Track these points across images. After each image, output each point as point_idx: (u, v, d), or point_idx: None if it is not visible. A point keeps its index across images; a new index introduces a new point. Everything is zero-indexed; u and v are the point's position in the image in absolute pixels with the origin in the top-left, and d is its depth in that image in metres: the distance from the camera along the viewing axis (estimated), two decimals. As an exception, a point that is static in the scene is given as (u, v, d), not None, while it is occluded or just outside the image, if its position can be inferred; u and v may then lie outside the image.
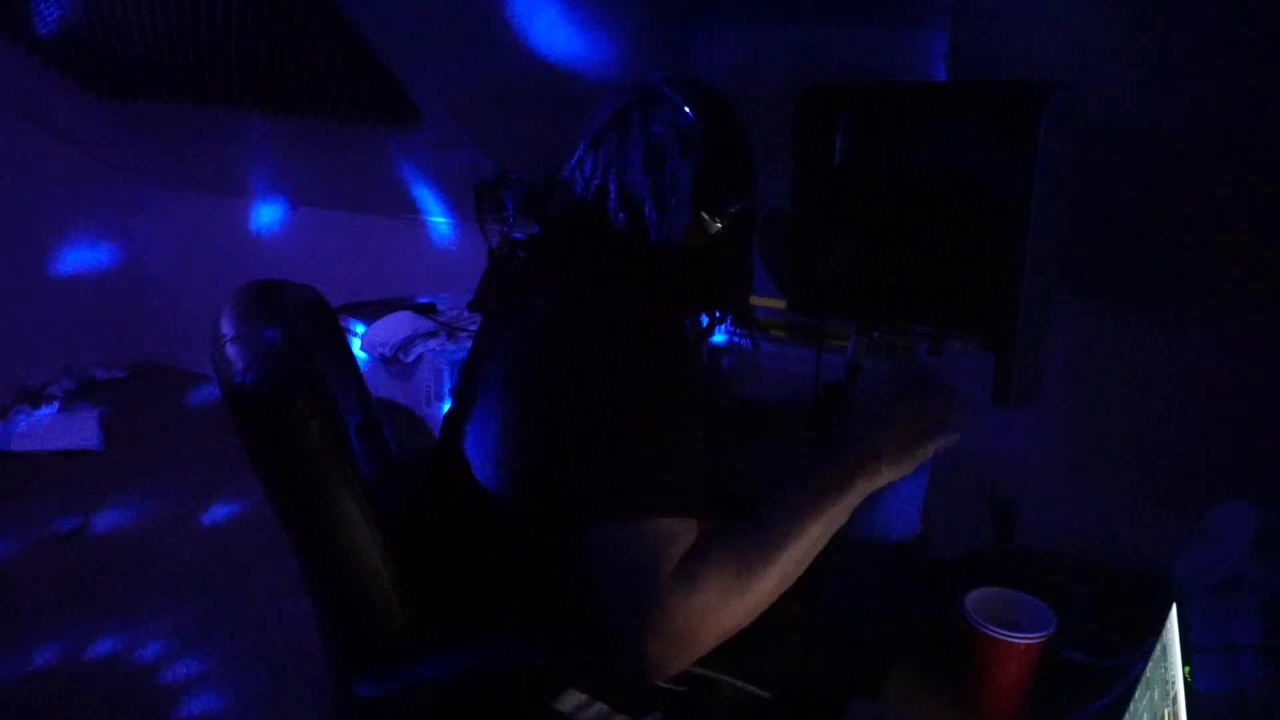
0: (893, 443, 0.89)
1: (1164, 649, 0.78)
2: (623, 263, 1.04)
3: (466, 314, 2.66)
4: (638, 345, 0.92)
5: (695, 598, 0.80)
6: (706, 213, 1.07)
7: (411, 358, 2.46)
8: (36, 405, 3.55)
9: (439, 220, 3.24)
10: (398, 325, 2.53)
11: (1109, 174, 1.74)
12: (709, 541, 0.84)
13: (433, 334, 2.51)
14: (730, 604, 0.82)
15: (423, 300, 2.79)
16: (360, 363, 1.34)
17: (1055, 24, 1.55)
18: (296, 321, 1.08)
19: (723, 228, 1.08)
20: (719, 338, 1.93)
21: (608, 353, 0.92)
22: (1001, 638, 0.94)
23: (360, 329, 2.60)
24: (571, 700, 1.02)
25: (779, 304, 1.92)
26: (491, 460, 1.02)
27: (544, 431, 0.94)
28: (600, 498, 0.85)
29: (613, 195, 1.06)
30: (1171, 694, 0.71)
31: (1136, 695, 0.83)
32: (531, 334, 1.01)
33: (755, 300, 1.95)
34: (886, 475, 0.88)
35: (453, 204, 2.97)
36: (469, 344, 2.62)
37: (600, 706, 1.03)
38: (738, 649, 0.88)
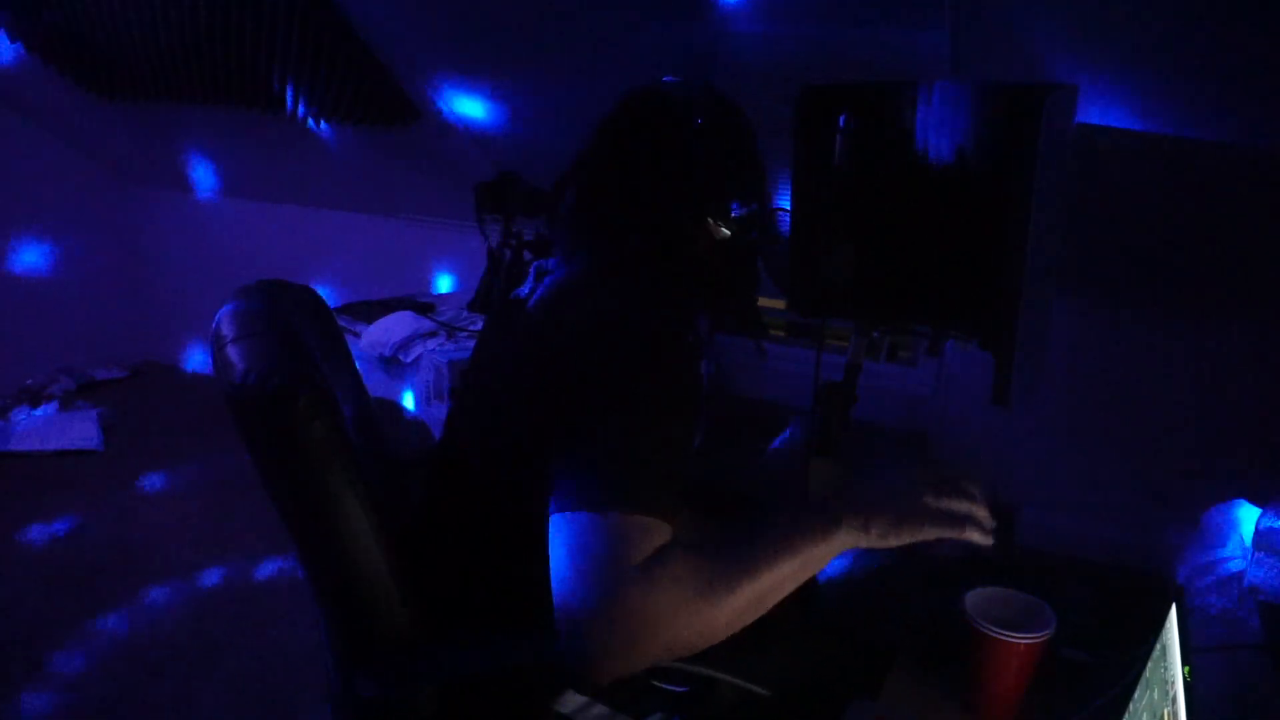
0: (888, 510, 0.87)
1: (1164, 649, 0.78)
2: (630, 264, 1.04)
3: (466, 314, 2.66)
4: (638, 345, 0.92)
5: (651, 598, 0.77)
6: (714, 217, 1.07)
7: (411, 358, 2.46)
8: (36, 405, 3.55)
9: (439, 220, 3.24)
10: (398, 325, 2.53)
11: (1109, 174, 1.74)
12: (679, 549, 0.81)
13: (433, 334, 2.51)
14: (685, 615, 0.79)
15: (423, 300, 2.79)
16: (359, 363, 1.34)
17: (1055, 24, 1.55)
18: (297, 322, 1.08)
19: (730, 233, 1.08)
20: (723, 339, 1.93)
21: (607, 351, 0.92)
22: (1001, 638, 0.94)
23: (360, 329, 2.60)
24: (572, 701, 1.03)
25: (779, 304, 1.92)
26: (494, 458, 1.02)
27: (542, 428, 0.94)
28: (579, 484, 0.83)
29: (621, 197, 1.07)
30: (1171, 694, 0.71)
31: (1136, 695, 0.83)
32: (537, 333, 1.01)
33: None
34: (871, 540, 0.87)
35: (453, 204, 2.97)
36: (469, 344, 2.63)
37: (601, 708, 1.03)
38: (738, 648, 0.88)
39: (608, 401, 0.87)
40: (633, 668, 0.79)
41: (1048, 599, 0.99)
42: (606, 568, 0.78)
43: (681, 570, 0.79)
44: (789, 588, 0.84)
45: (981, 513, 0.91)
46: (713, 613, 0.80)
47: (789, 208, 1.29)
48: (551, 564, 0.82)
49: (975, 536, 0.90)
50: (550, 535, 0.83)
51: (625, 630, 0.77)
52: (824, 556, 0.85)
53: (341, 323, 1.54)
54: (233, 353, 0.96)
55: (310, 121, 2.79)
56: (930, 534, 0.88)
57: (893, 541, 0.87)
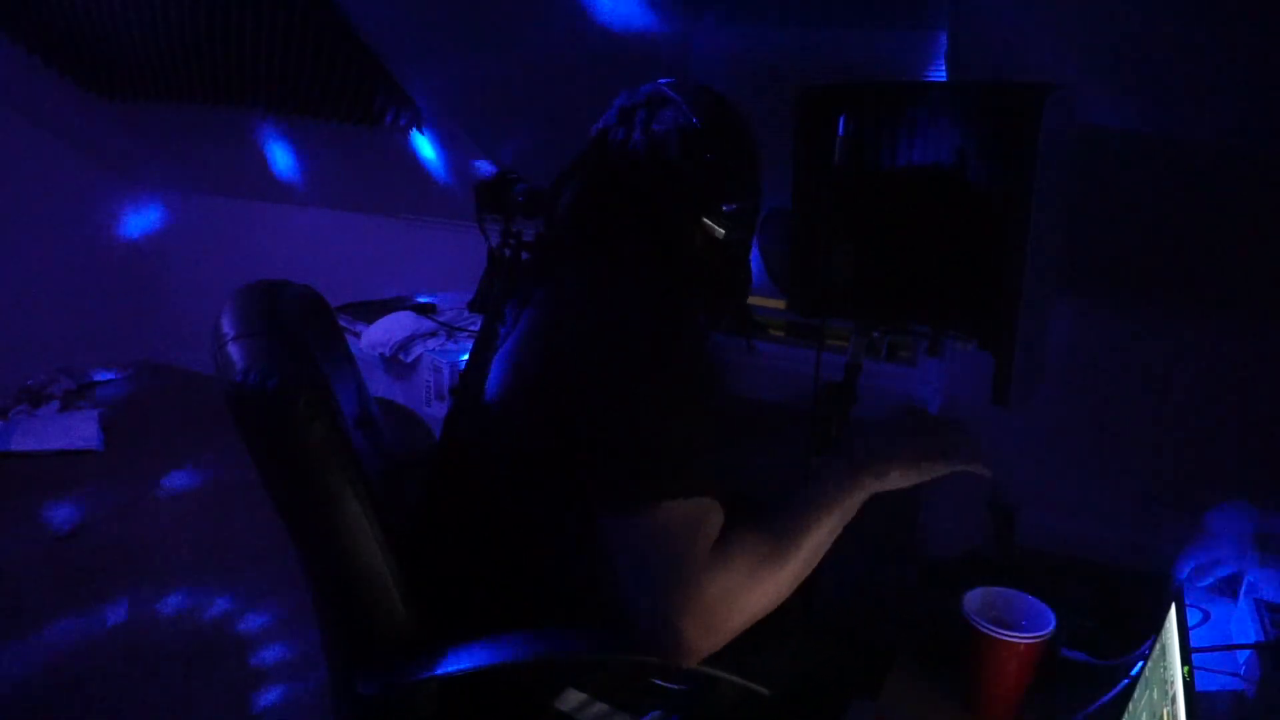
0: (906, 452, 0.95)
1: (1163, 649, 0.78)
2: (629, 264, 1.05)
3: (466, 314, 2.66)
4: (645, 339, 0.92)
5: (728, 577, 0.84)
6: (707, 215, 1.07)
7: (411, 358, 2.46)
8: (36, 405, 3.55)
9: (439, 220, 3.24)
10: (398, 325, 2.53)
11: (1108, 174, 1.74)
12: (736, 525, 0.87)
13: (433, 334, 2.51)
14: (758, 586, 0.86)
15: (423, 300, 2.79)
16: (359, 362, 1.34)
17: (1054, 24, 1.55)
18: (297, 321, 1.08)
19: (723, 230, 1.09)
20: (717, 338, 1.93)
21: (619, 343, 0.92)
22: (1001, 638, 0.94)
23: (360, 329, 2.60)
24: (572, 699, 1.03)
25: (779, 304, 1.92)
26: (495, 458, 1.02)
27: (557, 426, 0.94)
28: (624, 483, 0.86)
29: (619, 197, 1.07)
30: (1171, 694, 0.71)
31: (1136, 695, 0.83)
32: (541, 330, 1.02)
33: (755, 300, 1.95)
34: (893, 482, 0.93)
35: (453, 204, 2.97)
36: (469, 344, 2.62)
37: (600, 706, 1.03)
38: (738, 647, 0.88)
39: (626, 398, 0.88)
40: (722, 641, 0.86)
41: (1048, 599, 0.99)
42: (682, 560, 0.83)
43: (747, 544, 0.86)
44: (831, 540, 0.92)
45: (974, 443, 0.99)
46: (780, 577, 0.87)
47: (789, 208, 1.29)
48: (620, 566, 0.86)
49: (979, 468, 0.98)
50: (609, 538, 0.87)
51: (713, 614, 0.83)
52: (855, 505, 0.93)
53: (341, 323, 1.54)
54: (233, 352, 0.96)
55: (311, 121, 2.79)
56: (943, 470, 0.96)
57: (913, 481, 0.94)
